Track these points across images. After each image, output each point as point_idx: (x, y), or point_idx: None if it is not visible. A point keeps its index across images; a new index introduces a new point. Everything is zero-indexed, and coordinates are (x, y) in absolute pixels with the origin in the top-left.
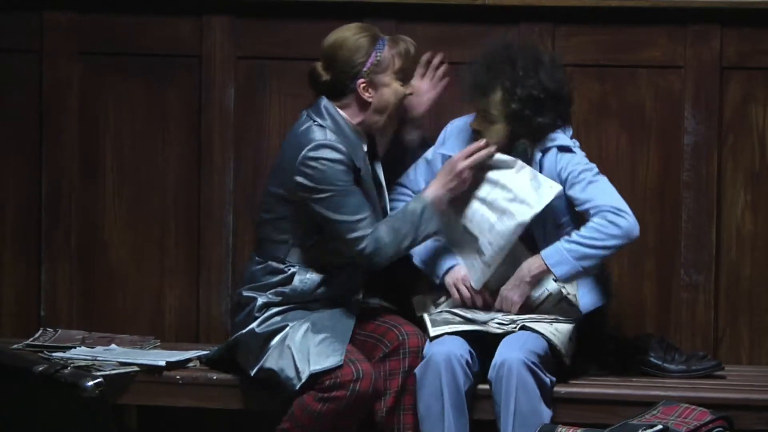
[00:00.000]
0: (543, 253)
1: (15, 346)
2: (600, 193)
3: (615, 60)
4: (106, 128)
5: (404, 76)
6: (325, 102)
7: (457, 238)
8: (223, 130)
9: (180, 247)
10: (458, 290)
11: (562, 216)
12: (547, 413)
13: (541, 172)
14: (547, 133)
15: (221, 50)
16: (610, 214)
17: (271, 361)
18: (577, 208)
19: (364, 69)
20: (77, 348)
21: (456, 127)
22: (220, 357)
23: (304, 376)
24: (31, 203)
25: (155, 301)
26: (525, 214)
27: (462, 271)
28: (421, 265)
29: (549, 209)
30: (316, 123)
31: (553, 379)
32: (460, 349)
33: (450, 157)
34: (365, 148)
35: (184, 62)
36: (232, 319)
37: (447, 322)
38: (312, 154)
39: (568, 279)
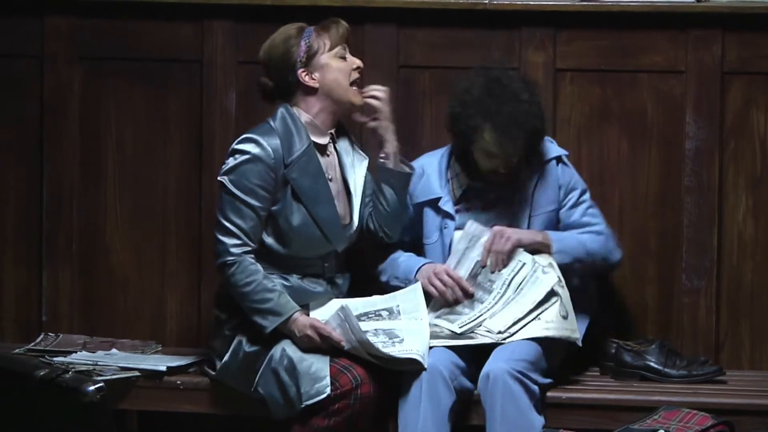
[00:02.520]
0: (552, 234)
1: (16, 350)
2: (600, 219)
3: (616, 65)
4: (107, 133)
5: (341, 52)
6: (281, 108)
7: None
8: (224, 134)
9: (181, 252)
10: (435, 286)
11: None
12: (538, 420)
13: (539, 187)
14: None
15: (222, 55)
16: (612, 240)
17: (262, 385)
18: (570, 229)
19: (298, 59)
20: (78, 353)
21: (423, 169)
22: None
23: (298, 408)
24: (32, 207)
25: (156, 306)
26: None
27: (434, 266)
28: (392, 280)
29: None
30: (262, 123)
31: (548, 381)
32: (445, 361)
33: None
34: (324, 141)
35: (185, 67)
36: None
37: (434, 336)
38: (237, 146)
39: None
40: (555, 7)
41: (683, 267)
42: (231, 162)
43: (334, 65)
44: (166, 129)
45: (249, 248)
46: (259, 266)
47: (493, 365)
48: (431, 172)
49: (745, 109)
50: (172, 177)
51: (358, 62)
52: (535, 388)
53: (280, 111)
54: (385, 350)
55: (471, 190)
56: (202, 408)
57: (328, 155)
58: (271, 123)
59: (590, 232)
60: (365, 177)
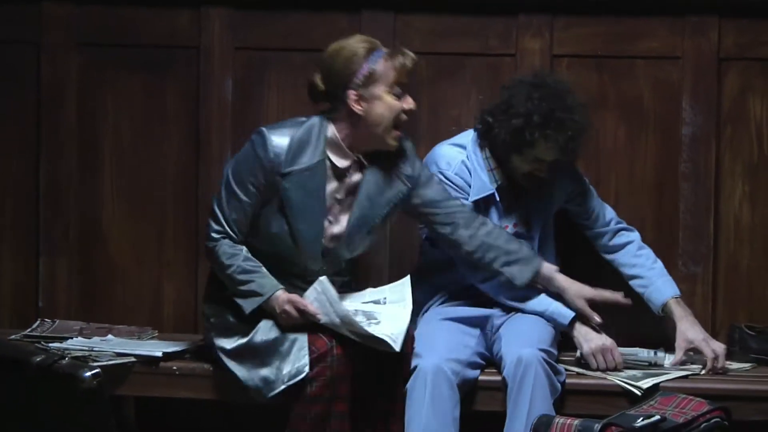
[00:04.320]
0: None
1: (12, 336)
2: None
3: (613, 51)
4: (105, 120)
5: (399, 90)
6: (317, 118)
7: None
8: (221, 121)
9: (178, 240)
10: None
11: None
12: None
13: (556, 187)
14: None
15: (220, 42)
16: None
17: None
18: (580, 216)
19: (356, 79)
20: (74, 339)
21: (465, 164)
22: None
23: (279, 388)
24: (29, 195)
25: (154, 293)
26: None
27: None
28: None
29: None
30: (292, 122)
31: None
32: (449, 361)
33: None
34: (343, 164)
35: (182, 54)
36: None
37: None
38: (253, 135)
39: None
40: None
41: (680, 253)
42: (243, 148)
43: (386, 101)
44: (163, 116)
45: (230, 238)
46: (238, 248)
47: (522, 349)
48: (477, 167)
49: (742, 95)
50: (170, 164)
51: (411, 105)
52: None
53: (314, 120)
54: (362, 326)
55: (501, 189)
56: (199, 394)
57: (347, 178)
58: (296, 127)
59: (612, 219)
60: (394, 202)
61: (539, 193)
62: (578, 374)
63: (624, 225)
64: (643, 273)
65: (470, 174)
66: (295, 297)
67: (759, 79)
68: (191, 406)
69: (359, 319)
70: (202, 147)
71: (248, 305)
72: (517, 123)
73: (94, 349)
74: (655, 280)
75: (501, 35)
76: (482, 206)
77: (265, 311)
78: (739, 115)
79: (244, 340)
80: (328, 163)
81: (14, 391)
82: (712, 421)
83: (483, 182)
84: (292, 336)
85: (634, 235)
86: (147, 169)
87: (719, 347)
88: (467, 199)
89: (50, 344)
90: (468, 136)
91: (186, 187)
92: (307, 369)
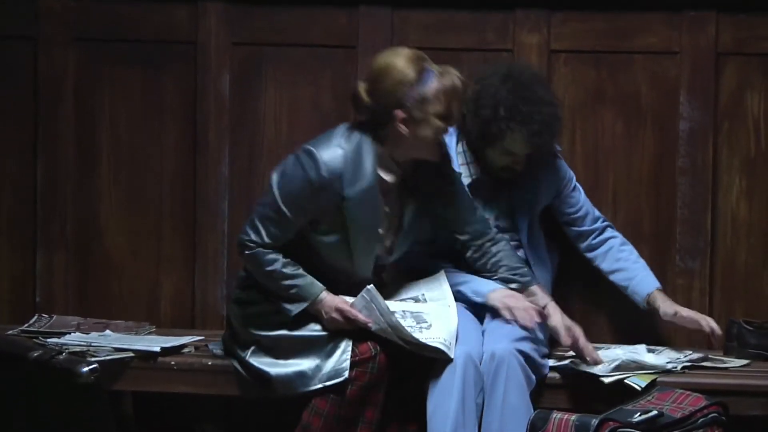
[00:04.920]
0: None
1: (10, 332)
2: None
3: (611, 46)
4: (102, 115)
5: (446, 113)
6: (363, 137)
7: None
8: (218, 117)
9: (176, 234)
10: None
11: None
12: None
13: (543, 182)
14: None
15: (217, 37)
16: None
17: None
18: (569, 214)
19: (407, 102)
20: (72, 334)
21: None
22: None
23: (315, 386)
24: (26, 190)
25: (151, 289)
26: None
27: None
28: None
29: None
30: (337, 139)
31: (547, 364)
32: (477, 348)
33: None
34: (390, 179)
35: (179, 49)
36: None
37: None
38: (303, 154)
39: None
40: None
41: (677, 248)
42: (290, 165)
43: (433, 124)
44: (160, 111)
45: (267, 248)
46: (276, 254)
47: (496, 345)
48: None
49: (740, 90)
50: (167, 159)
51: (452, 125)
52: (533, 377)
53: (360, 139)
54: (413, 335)
55: (478, 182)
56: (197, 389)
57: (391, 190)
58: (344, 145)
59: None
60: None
61: (525, 187)
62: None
63: (609, 223)
64: (626, 266)
65: None
66: (343, 305)
67: (757, 75)
68: (189, 401)
69: (409, 323)
70: (200, 142)
71: (294, 308)
72: (485, 115)
73: (92, 344)
74: (638, 272)
75: (498, 30)
76: None
77: (309, 313)
78: (737, 110)
79: (284, 331)
80: (379, 179)
81: (12, 386)
82: (710, 416)
83: None
84: (336, 337)
85: (617, 233)
86: (144, 164)
87: (711, 320)
88: None
89: (48, 340)
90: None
91: (183, 182)
92: (346, 373)
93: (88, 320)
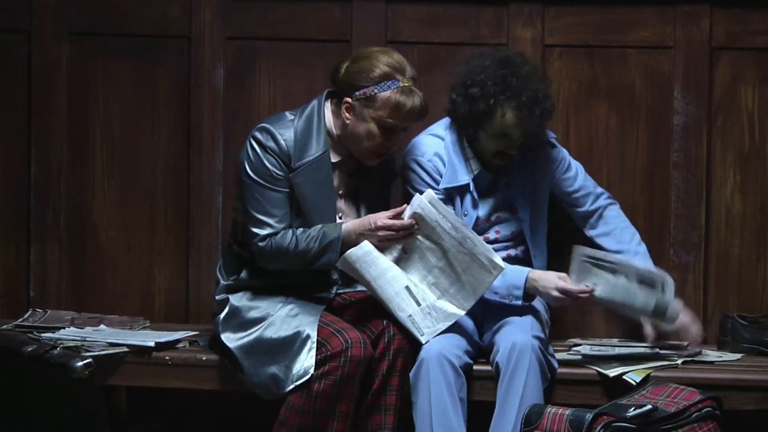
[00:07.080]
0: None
1: (4, 326)
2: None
3: (604, 40)
4: (95, 109)
5: (392, 125)
6: (321, 100)
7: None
8: (212, 110)
9: (169, 228)
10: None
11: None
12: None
13: (538, 171)
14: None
15: (210, 30)
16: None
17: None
18: (568, 194)
19: (358, 92)
20: (66, 329)
21: (438, 153)
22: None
23: (287, 388)
24: (20, 184)
25: (145, 282)
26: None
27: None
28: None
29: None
30: (289, 112)
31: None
32: (449, 347)
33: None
34: (334, 159)
35: (173, 42)
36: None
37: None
38: (256, 134)
39: None
40: None
41: (671, 242)
42: (249, 152)
43: (370, 127)
44: (154, 105)
45: (278, 232)
46: (286, 231)
47: (517, 336)
48: (454, 157)
49: (733, 84)
50: (161, 153)
51: (387, 149)
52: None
53: (312, 106)
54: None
55: (479, 177)
56: (191, 384)
57: (342, 172)
58: (293, 116)
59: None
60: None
61: (522, 177)
62: (565, 363)
63: (611, 201)
64: (627, 249)
65: (444, 163)
66: (383, 221)
67: (750, 69)
68: (183, 396)
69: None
70: (193, 135)
71: (331, 258)
72: (474, 93)
73: (87, 339)
74: (638, 260)
75: (492, 24)
76: (456, 195)
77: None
78: (731, 104)
79: (254, 336)
80: (330, 154)
81: (6, 380)
82: (704, 410)
83: (456, 172)
84: (304, 334)
85: (620, 213)
86: (138, 157)
87: (700, 330)
88: (439, 186)
89: (42, 334)
90: (442, 124)
91: (177, 175)
92: (312, 370)
93: (83, 315)
